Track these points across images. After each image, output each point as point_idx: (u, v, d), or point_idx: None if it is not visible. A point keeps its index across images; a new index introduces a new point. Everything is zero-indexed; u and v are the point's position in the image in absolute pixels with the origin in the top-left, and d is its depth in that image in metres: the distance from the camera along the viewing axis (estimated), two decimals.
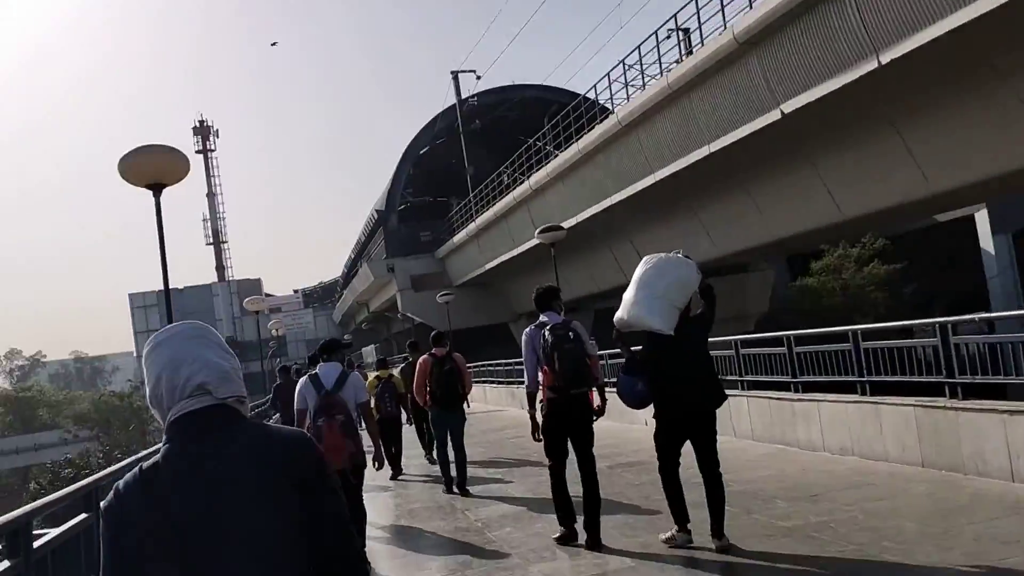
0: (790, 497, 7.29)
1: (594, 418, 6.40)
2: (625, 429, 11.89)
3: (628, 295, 5.98)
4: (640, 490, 8.28)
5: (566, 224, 21.67)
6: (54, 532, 4.62)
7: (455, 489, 9.82)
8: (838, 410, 8.87)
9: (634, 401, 6.14)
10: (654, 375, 5.93)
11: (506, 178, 33.88)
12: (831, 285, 40.50)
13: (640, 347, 6.12)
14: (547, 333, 6.22)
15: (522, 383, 8.12)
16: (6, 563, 3.86)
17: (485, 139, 45.46)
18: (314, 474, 1.80)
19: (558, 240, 18.49)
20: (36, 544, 4.20)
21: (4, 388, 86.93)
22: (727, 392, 6.29)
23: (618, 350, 6.57)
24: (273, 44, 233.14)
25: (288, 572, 1.73)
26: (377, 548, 7.37)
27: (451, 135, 46.65)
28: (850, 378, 8.62)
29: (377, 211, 50.41)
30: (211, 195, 77.64)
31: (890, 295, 39.77)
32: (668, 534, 6.08)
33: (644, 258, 6.11)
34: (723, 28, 17.57)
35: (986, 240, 38.93)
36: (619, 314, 6.06)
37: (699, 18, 19.34)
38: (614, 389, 6.30)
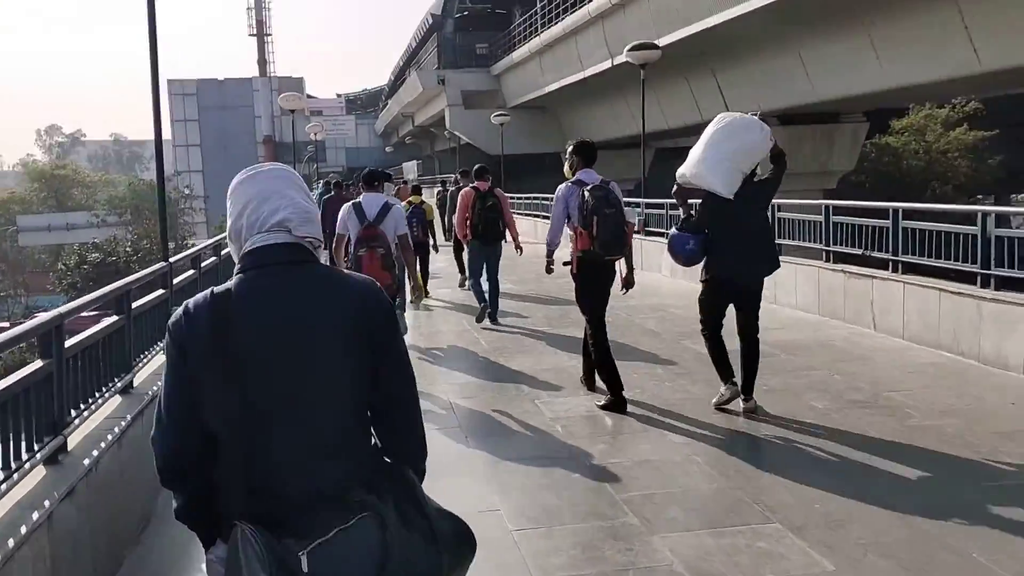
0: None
1: (623, 291, 6.51)
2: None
3: (695, 152, 6.02)
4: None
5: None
6: (85, 334, 4.70)
7: (487, 319, 10.17)
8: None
9: (684, 259, 6.22)
10: (708, 237, 5.98)
11: None
12: (913, 146, 38.31)
13: (699, 202, 6.17)
14: (587, 193, 6.14)
15: None
16: (39, 362, 3.95)
17: None
18: (383, 323, 1.87)
19: (650, 62, 15.89)
20: (67, 344, 4.24)
21: (42, 163, 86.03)
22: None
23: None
24: None
25: (349, 413, 1.82)
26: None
27: None
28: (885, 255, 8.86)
29: (432, 15, 47.44)
30: None
31: (974, 163, 37.67)
32: (717, 395, 6.25)
33: (718, 116, 6.15)
34: None
35: None
36: (682, 169, 6.11)
37: None
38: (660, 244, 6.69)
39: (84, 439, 4.41)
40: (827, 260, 9.93)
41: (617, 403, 6.36)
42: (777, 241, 10.99)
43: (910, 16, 17.16)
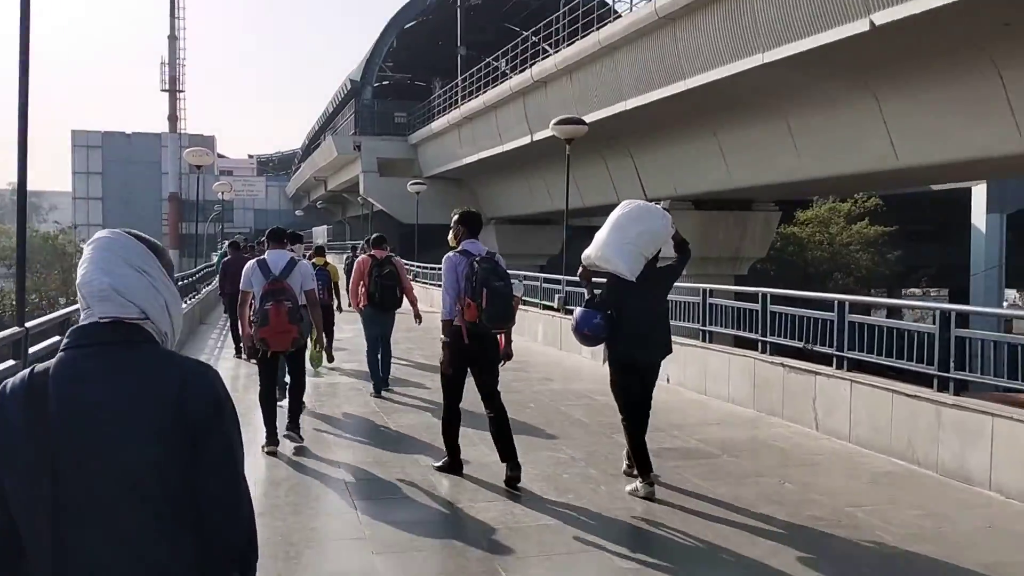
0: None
1: (502, 363, 6.49)
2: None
3: (601, 235, 6.18)
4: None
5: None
6: None
7: (381, 391, 10.28)
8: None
9: (589, 335, 6.24)
10: (611, 317, 6.11)
11: (504, 64, 30.39)
12: (818, 237, 39.41)
13: (604, 283, 6.29)
14: (476, 264, 6.13)
15: None
16: None
17: (481, 22, 41.62)
18: (207, 412, 1.69)
19: (576, 136, 15.43)
20: None
21: None
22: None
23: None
24: None
25: (164, 511, 1.66)
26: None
27: (443, 13, 42.96)
28: (828, 350, 8.37)
29: (351, 81, 46.91)
30: (173, 38, 72.65)
31: (875, 257, 39.02)
32: (632, 486, 6.18)
33: (623, 202, 6.34)
34: None
35: (979, 217, 38.01)
36: (588, 251, 6.27)
37: None
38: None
39: None
40: (764, 351, 9.33)
41: (453, 465, 6.59)
42: (708, 328, 10.59)
43: (830, 108, 17.28)
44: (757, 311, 9.45)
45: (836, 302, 8.30)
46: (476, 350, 6.23)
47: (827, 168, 18.75)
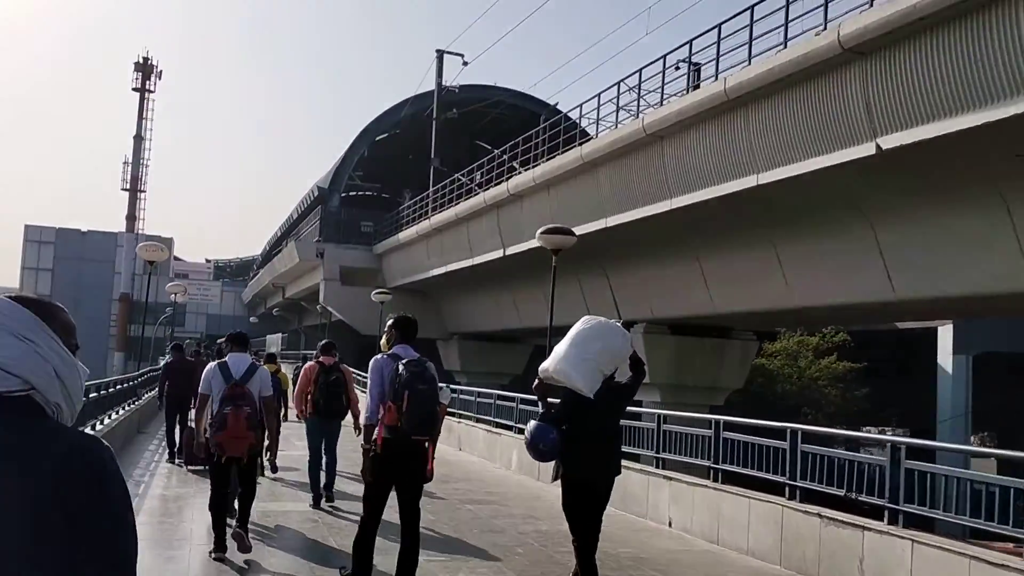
0: None
1: (426, 479, 6.20)
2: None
3: (559, 349, 6.13)
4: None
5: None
6: None
7: (322, 503, 10.00)
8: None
9: (544, 449, 6.03)
10: (565, 433, 5.99)
11: (479, 176, 29.80)
12: (787, 371, 38.84)
13: (558, 401, 6.24)
14: (402, 368, 5.89)
15: None
16: None
17: (455, 136, 41.43)
18: (88, 494, 1.49)
19: (564, 247, 14.43)
20: None
21: None
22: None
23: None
24: None
25: None
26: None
27: (416, 128, 42.69)
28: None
29: (319, 188, 46.22)
30: (139, 138, 71.70)
31: (843, 394, 38.55)
32: None
33: (583, 318, 6.31)
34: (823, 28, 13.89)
35: (945, 357, 37.94)
36: (545, 364, 6.20)
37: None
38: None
39: None
40: (791, 497, 8.03)
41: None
42: (721, 466, 9.27)
43: (825, 235, 16.58)
44: (784, 450, 8.18)
45: (890, 444, 7.08)
46: (396, 460, 5.89)
47: (819, 297, 17.97)
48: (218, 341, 11.19)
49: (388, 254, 40.42)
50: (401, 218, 39.56)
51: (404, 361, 5.93)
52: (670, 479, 9.94)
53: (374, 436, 5.93)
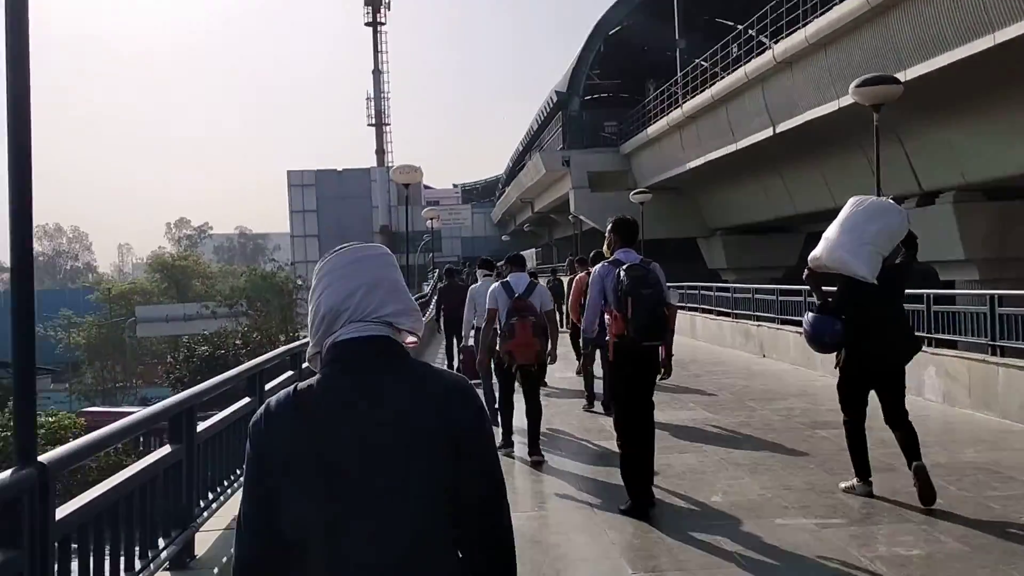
0: None
1: (659, 378, 6.01)
2: None
3: (830, 235, 5.90)
4: None
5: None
6: (216, 417, 4.73)
7: (596, 406, 10.07)
8: None
9: (829, 342, 5.95)
10: (848, 322, 5.80)
11: (736, 49, 26.85)
12: None
13: (833, 289, 6.03)
14: (623, 273, 5.78)
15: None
16: (167, 448, 3.90)
17: (690, 18, 38.00)
18: (471, 425, 1.72)
19: (889, 100, 11.84)
20: (199, 428, 4.26)
21: (170, 254, 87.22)
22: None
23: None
24: None
25: (431, 524, 1.68)
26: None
27: (648, 15, 39.68)
28: None
29: (557, 92, 44.63)
30: (377, 72, 73.80)
31: None
32: (849, 483, 6.07)
33: (852, 199, 6.02)
34: None
35: None
36: (816, 252, 5.99)
37: None
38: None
39: (213, 544, 4.28)
40: None
41: (636, 508, 5.85)
42: None
43: None
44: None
45: None
46: (624, 369, 5.90)
47: None
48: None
49: (637, 152, 38.27)
50: (648, 111, 37.18)
51: (625, 267, 5.80)
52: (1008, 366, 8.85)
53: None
